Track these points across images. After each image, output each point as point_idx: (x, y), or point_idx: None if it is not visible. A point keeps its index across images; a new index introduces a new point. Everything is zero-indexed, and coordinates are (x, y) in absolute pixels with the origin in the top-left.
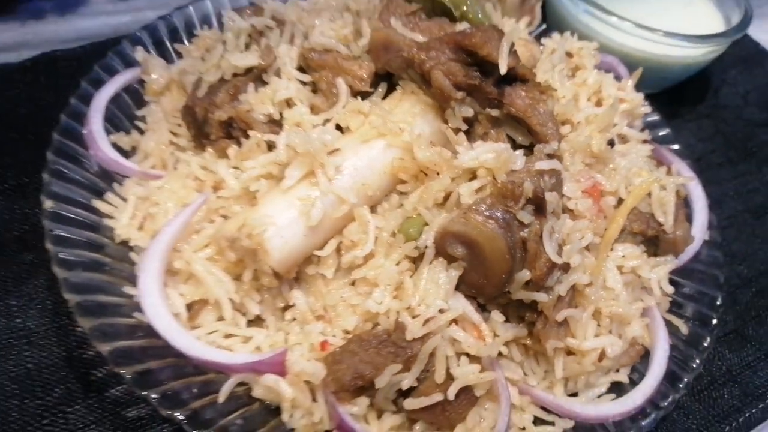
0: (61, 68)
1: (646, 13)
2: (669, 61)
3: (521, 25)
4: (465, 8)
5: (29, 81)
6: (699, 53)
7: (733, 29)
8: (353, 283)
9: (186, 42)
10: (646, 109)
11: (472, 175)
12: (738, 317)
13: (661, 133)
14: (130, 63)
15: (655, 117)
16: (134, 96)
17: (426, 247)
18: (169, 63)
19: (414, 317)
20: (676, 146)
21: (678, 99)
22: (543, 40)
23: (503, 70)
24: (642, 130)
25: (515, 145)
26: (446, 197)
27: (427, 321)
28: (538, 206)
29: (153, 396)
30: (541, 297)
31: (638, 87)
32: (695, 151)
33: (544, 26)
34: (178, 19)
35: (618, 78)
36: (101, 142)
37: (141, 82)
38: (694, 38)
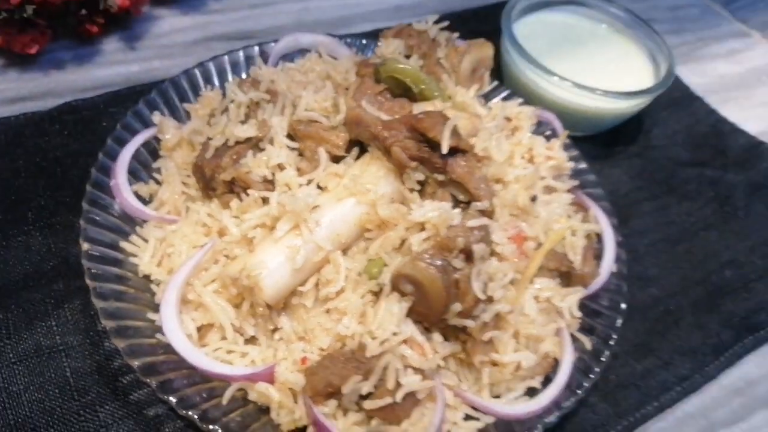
0: (81, 117)
1: (587, 66)
2: (603, 112)
3: (471, 92)
4: (423, 87)
5: (56, 129)
6: (629, 105)
7: (656, 86)
8: (328, 312)
9: (192, 99)
10: (571, 164)
11: (422, 227)
12: (646, 332)
13: (589, 179)
14: (146, 122)
15: (582, 165)
16: (149, 148)
17: (384, 284)
18: (177, 118)
19: (373, 339)
20: (600, 190)
21: (613, 140)
22: (490, 103)
23: (445, 151)
24: (570, 177)
25: (457, 202)
26: (402, 243)
27: (383, 342)
28: (468, 255)
29: (172, 399)
30: (469, 323)
31: (577, 132)
32: (624, 186)
33: (496, 83)
34: (184, 80)
35: (554, 131)
36: (125, 193)
37: (156, 138)
38: (623, 95)
